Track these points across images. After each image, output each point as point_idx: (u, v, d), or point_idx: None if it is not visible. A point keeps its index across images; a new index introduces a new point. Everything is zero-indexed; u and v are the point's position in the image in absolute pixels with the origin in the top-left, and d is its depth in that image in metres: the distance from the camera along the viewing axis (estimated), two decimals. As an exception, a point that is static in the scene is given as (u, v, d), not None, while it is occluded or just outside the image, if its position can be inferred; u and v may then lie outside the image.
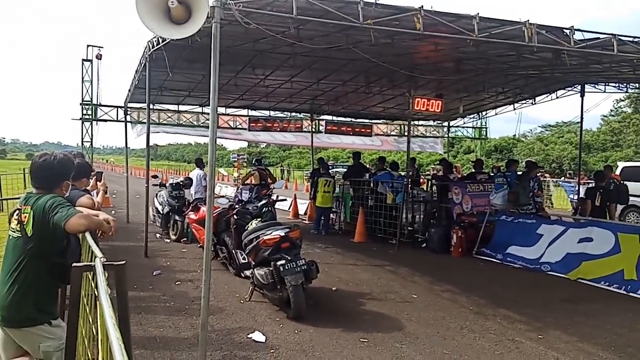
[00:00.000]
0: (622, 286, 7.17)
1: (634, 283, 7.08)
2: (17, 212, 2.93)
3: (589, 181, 18.81)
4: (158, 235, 11.08)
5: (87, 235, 2.87)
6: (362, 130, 17.13)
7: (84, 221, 2.80)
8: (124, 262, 2.41)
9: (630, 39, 6.90)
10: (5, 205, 8.23)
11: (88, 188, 4.71)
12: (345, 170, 17.86)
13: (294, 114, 17.11)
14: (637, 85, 12.77)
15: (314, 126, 17.14)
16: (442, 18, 5.95)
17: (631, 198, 12.59)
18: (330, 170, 14.02)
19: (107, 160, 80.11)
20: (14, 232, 2.92)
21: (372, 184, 12.07)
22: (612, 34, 6.71)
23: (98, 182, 5.55)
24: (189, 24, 4.43)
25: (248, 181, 11.54)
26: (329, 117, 17.15)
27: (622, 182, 12.22)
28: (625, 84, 12.30)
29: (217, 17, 4.52)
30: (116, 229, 3.15)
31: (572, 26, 6.58)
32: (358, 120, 17.36)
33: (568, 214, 13.63)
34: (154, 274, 7.61)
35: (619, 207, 13.01)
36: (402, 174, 11.75)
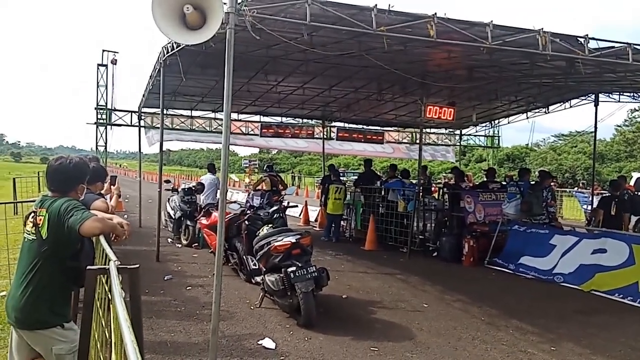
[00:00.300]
0: (637, 299, 7.04)
1: (649, 296, 6.96)
2: (33, 214, 2.95)
3: (602, 192, 18.61)
4: (170, 240, 11.13)
5: (102, 238, 2.89)
6: (373, 137, 17.12)
7: (99, 224, 2.82)
8: (137, 265, 2.42)
9: (646, 48, 6.85)
10: (20, 208, 8.30)
11: (102, 192, 4.75)
12: (356, 177, 17.85)
13: (305, 120, 17.16)
14: (652, 94, 12.63)
15: (325, 133, 17.16)
16: (455, 25, 5.95)
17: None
18: (341, 178, 14.01)
19: (120, 165, 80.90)
20: (29, 234, 2.94)
21: (383, 192, 12.03)
22: (627, 43, 6.67)
23: (112, 186, 5.60)
24: (204, 29, 4.47)
25: (259, 187, 11.57)
26: (341, 124, 17.18)
27: (636, 192, 12.08)
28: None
29: (232, 23, 4.56)
30: (130, 232, 3.17)
31: (587, 35, 6.55)
32: (370, 127, 17.37)
33: (581, 224, 13.47)
34: (165, 278, 7.64)
35: (634, 219, 12.85)
36: (414, 181, 11.71)
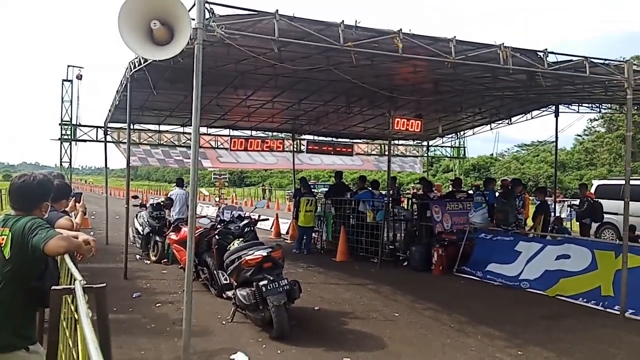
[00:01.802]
0: (600, 302, 7.28)
1: (611, 299, 7.19)
2: None
3: (564, 199, 19.19)
4: (138, 256, 10.92)
5: (66, 257, 2.84)
6: (343, 149, 17.26)
7: (64, 243, 2.75)
8: (104, 284, 2.39)
9: (602, 61, 7.15)
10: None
11: (67, 209, 4.65)
12: (326, 189, 17.91)
13: (275, 133, 17.18)
14: (609, 105, 13.19)
15: (295, 145, 17.21)
16: (420, 41, 6.10)
17: (607, 216, 12.88)
18: (312, 190, 14.05)
19: (86, 181, 78.95)
20: None
21: (353, 203, 12.13)
22: (584, 57, 6.95)
23: (77, 203, 5.48)
24: (172, 45, 4.48)
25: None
26: (310, 137, 17.25)
27: (596, 200, 12.51)
28: (598, 105, 12.71)
29: (200, 38, 4.58)
30: (96, 249, 3.11)
31: (546, 49, 6.80)
32: (339, 139, 17.51)
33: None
34: (134, 296, 7.49)
35: (594, 225, 13.30)
36: (383, 192, 11.84)
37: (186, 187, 11.81)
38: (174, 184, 12.93)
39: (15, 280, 2.79)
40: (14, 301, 2.80)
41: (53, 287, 2.45)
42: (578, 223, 12.69)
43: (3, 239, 2.80)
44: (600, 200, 12.67)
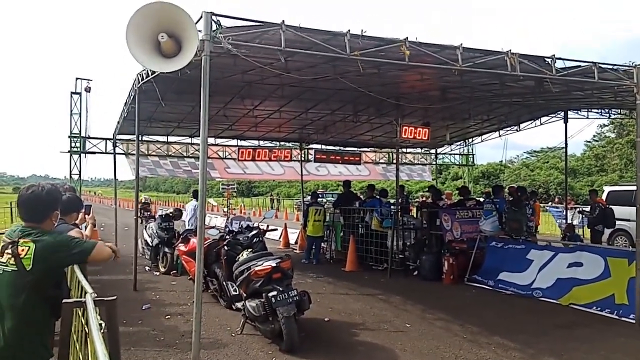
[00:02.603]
0: (614, 311, 7.17)
1: (625, 307, 7.08)
2: (11, 245, 2.82)
3: (576, 206, 19.02)
4: (147, 268, 10.93)
5: (77, 269, 2.84)
6: (351, 158, 17.23)
7: (108, 249, 2.91)
8: (114, 297, 2.39)
9: (610, 66, 7.11)
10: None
11: (77, 222, 4.66)
12: (334, 198, 17.87)
13: (282, 143, 17.21)
14: (619, 110, 13.08)
15: (303, 155, 17.22)
16: (427, 49, 6.09)
17: (619, 222, 12.74)
18: (319, 199, 14.03)
19: (95, 193, 79.42)
20: (7, 266, 2.80)
21: (362, 212, 12.08)
22: (592, 62, 6.91)
23: (86, 215, 5.50)
24: (179, 57, 4.51)
25: None
26: (318, 146, 17.26)
27: (607, 206, 12.38)
28: (607, 110, 12.60)
29: (207, 50, 4.60)
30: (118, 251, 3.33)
31: (554, 55, 6.77)
32: (347, 148, 17.50)
33: (557, 239, 13.71)
34: (143, 308, 7.48)
35: (607, 231, 13.15)
36: (391, 201, 11.80)
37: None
38: (190, 196, 13.09)
39: (36, 290, 2.79)
40: (37, 312, 2.79)
41: (65, 300, 2.45)
42: (589, 230, 12.55)
43: (23, 250, 2.78)
44: (612, 206, 12.54)
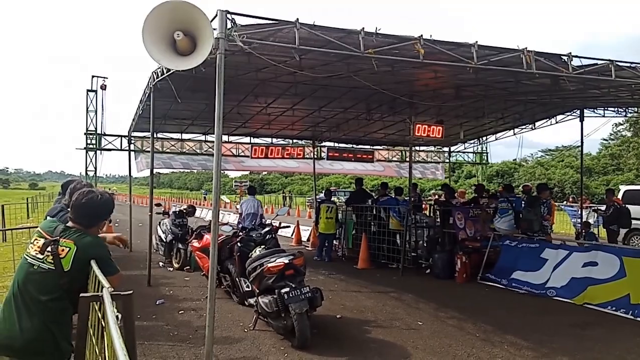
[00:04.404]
0: (629, 311, 7.09)
1: (641, 307, 7.01)
2: (52, 243, 2.84)
3: (591, 205, 18.80)
4: (161, 263, 11.04)
5: (94, 265, 2.88)
6: (363, 156, 17.23)
7: (119, 282, 2.92)
8: (131, 291, 2.42)
9: (628, 64, 7.02)
10: (10, 236, 8.19)
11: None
12: (347, 196, 17.86)
13: (295, 140, 17.26)
14: (635, 109, 12.89)
15: (316, 153, 17.25)
16: (441, 47, 6.07)
17: (635, 221, 12.58)
18: (332, 197, 14.04)
19: (110, 189, 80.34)
20: (44, 262, 2.81)
21: (374, 210, 12.07)
22: (609, 60, 6.83)
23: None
24: (194, 55, 4.54)
25: None
26: (331, 144, 17.28)
27: (623, 205, 12.22)
28: (624, 108, 12.42)
29: (222, 48, 4.63)
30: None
31: (570, 53, 6.70)
32: (360, 146, 17.49)
33: (571, 237, 13.57)
34: (157, 303, 7.57)
35: (622, 231, 12.99)
36: (407, 199, 11.78)
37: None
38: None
39: (68, 291, 2.84)
40: (64, 310, 2.86)
41: (82, 295, 2.49)
42: (605, 229, 12.41)
43: (64, 251, 2.82)
44: (628, 205, 12.38)
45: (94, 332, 2.50)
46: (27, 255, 2.91)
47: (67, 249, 2.83)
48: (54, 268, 2.80)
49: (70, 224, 2.98)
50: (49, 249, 2.83)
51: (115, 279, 2.85)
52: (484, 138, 17.88)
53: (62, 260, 2.80)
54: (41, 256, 2.83)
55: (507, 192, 11.49)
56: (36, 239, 2.93)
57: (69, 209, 3.17)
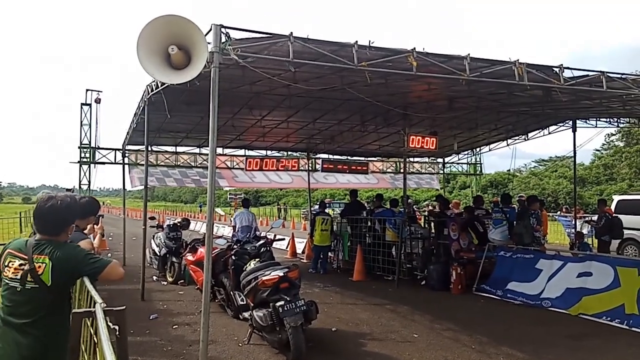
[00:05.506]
0: (624, 321, 7.10)
1: (636, 317, 7.01)
2: (29, 263, 2.78)
3: (584, 215, 18.88)
4: (155, 277, 10.96)
5: (86, 280, 2.86)
6: (358, 167, 17.25)
7: (120, 269, 2.91)
8: (124, 307, 2.40)
9: (619, 75, 7.10)
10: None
11: (86, 231, 4.70)
12: (342, 208, 17.85)
13: (290, 152, 17.27)
14: (627, 119, 13.02)
15: (310, 164, 17.27)
16: (434, 59, 6.12)
17: (629, 231, 12.62)
18: (326, 209, 14.02)
19: (103, 202, 79.90)
20: (27, 282, 2.77)
21: (369, 222, 12.06)
22: (600, 72, 6.91)
23: (95, 226, 5.53)
24: (189, 69, 4.56)
25: None
26: (325, 156, 17.30)
27: (614, 215, 12.25)
28: (616, 119, 12.54)
29: (216, 62, 4.66)
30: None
31: (562, 64, 6.78)
32: (354, 158, 17.53)
33: (565, 248, 13.60)
34: (151, 317, 7.50)
35: (615, 241, 13.02)
36: (402, 210, 11.79)
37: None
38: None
39: (56, 305, 2.81)
40: (58, 324, 2.82)
41: (74, 311, 2.47)
42: (597, 240, 12.44)
43: (41, 267, 2.76)
44: (621, 215, 12.43)
45: (86, 348, 2.47)
46: (6, 279, 2.84)
47: (43, 264, 2.77)
48: (37, 286, 2.76)
49: (38, 236, 2.92)
50: (25, 267, 2.78)
51: (111, 269, 2.84)
52: (478, 149, 17.99)
53: (42, 277, 2.75)
54: (20, 277, 2.78)
55: (503, 202, 11.51)
56: (10, 261, 2.84)
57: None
